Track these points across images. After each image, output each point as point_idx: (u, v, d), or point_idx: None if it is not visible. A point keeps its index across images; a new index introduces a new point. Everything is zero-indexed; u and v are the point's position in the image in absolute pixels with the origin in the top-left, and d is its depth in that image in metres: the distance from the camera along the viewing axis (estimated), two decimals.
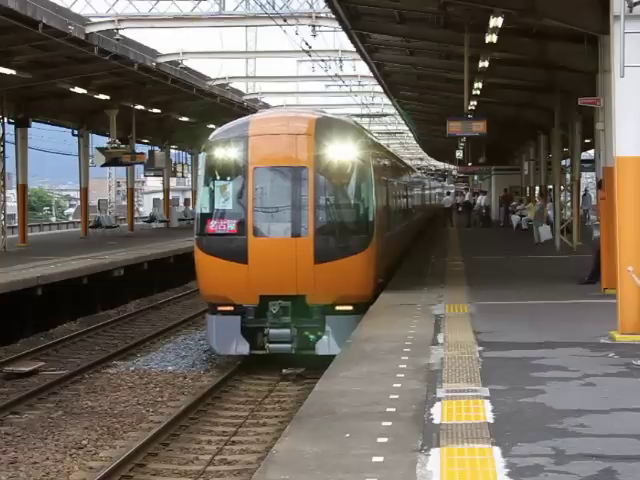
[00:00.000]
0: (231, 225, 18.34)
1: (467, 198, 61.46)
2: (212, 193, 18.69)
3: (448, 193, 73.85)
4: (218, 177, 18.77)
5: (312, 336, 18.26)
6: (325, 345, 17.99)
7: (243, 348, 18.24)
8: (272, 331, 18.06)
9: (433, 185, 68.46)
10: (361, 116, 46.62)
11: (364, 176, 18.82)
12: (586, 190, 51.28)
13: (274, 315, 18.00)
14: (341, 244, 18.21)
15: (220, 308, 18.45)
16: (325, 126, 18.91)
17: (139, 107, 43.78)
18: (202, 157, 19.14)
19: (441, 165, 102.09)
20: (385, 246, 20.91)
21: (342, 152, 18.42)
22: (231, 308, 18.32)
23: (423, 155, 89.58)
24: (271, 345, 18.09)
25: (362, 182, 18.79)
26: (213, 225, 18.44)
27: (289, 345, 18.09)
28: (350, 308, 18.13)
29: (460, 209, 59.20)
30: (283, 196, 18.28)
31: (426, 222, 49.96)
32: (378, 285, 19.85)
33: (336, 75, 39.88)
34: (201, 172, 18.99)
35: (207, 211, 18.69)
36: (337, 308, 18.16)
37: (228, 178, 18.73)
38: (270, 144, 18.59)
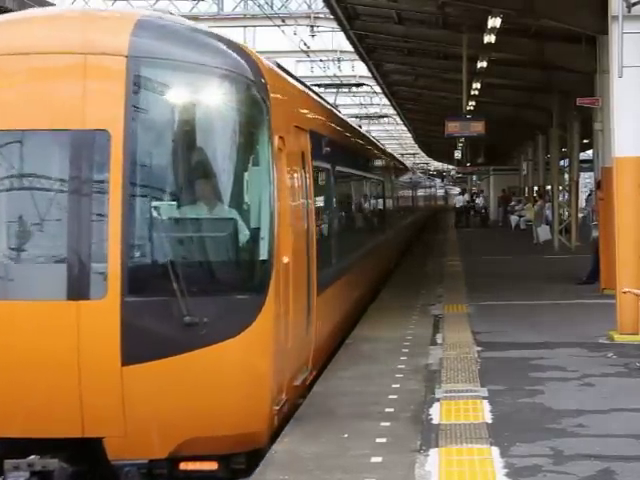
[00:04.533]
0: None
1: (466, 199, 61.47)
2: None
3: (461, 193, 68.55)
4: None
5: None
6: None
7: None
8: None
9: (428, 184, 63.07)
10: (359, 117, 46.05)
11: (252, 150, 8.48)
12: (591, 190, 51.14)
13: None
14: (191, 314, 7.80)
15: None
16: (158, 35, 8.40)
17: None
18: None
19: (438, 164, 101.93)
20: (315, 305, 10.66)
21: (199, 95, 8.19)
22: None
23: (417, 151, 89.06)
24: None
25: (246, 164, 8.46)
26: None
27: None
28: (214, 466, 8.16)
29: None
30: (52, 200, 8.01)
31: (418, 228, 45.89)
32: (288, 402, 9.25)
33: (334, 75, 39.91)
34: None
35: None
36: (182, 467, 8.12)
37: None
38: (25, 78, 8.23)
